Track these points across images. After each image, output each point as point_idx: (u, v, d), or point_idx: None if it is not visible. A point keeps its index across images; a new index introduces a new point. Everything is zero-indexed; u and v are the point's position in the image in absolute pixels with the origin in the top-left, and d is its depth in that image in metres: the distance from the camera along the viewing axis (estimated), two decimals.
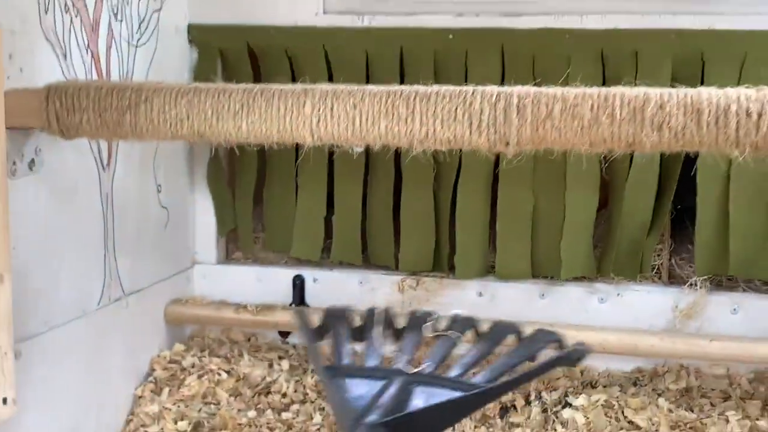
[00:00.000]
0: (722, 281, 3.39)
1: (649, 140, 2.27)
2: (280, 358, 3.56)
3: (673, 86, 3.05)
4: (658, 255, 3.49)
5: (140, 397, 3.33)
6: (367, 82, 3.42)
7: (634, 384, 3.29)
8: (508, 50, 3.37)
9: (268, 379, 3.41)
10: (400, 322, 2.17)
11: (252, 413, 3.27)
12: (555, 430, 3.10)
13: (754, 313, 3.28)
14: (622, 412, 3.12)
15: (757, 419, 3.05)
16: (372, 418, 1.60)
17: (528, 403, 3.22)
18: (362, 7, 3.50)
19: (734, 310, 3.28)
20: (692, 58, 3.25)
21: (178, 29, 3.58)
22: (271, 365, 3.49)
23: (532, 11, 3.38)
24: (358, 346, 2.12)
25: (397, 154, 3.29)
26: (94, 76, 3.04)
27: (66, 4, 2.88)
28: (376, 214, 3.59)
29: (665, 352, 3.28)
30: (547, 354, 2.09)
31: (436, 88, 2.46)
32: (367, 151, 3.06)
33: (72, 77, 2.90)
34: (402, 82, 3.41)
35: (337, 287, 3.63)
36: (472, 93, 2.37)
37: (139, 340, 3.40)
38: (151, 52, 3.35)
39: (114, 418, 3.22)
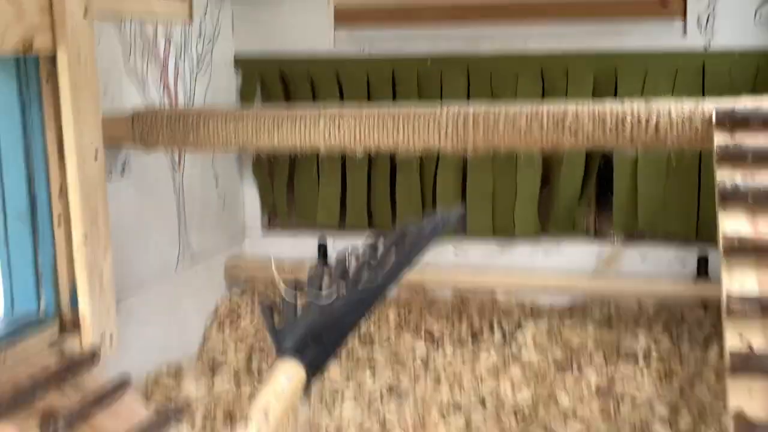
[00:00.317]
0: (634, 235, 3.42)
1: (568, 143, 2.47)
2: None
3: (594, 95, 3.22)
4: (586, 217, 3.51)
5: (208, 332, 3.46)
6: (368, 96, 3.53)
7: (569, 313, 3.37)
8: (471, 70, 3.42)
9: None
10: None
11: None
12: (511, 348, 3.19)
13: (656, 259, 3.36)
14: (560, 335, 3.25)
15: (660, 336, 3.16)
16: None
17: (492, 329, 3.32)
18: (363, 41, 3.54)
19: (642, 257, 3.37)
20: (608, 73, 3.29)
21: (226, 61, 3.59)
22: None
23: (488, 41, 3.42)
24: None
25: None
26: (166, 102, 3.15)
27: (143, 50, 3.01)
28: (378, 193, 3.64)
29: (592, 289, 3.39)
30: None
31: (414, 108, 2.62)
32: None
33: (150, 104, 3.04)
34: (394, 96, 3.52)
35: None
36: (440, 112, 2.55)
37: (207, 291, 3.52)
38: (207, 79, 3.43)
39: (190, 347, 3.32)
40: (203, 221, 3.46)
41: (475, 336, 3.32)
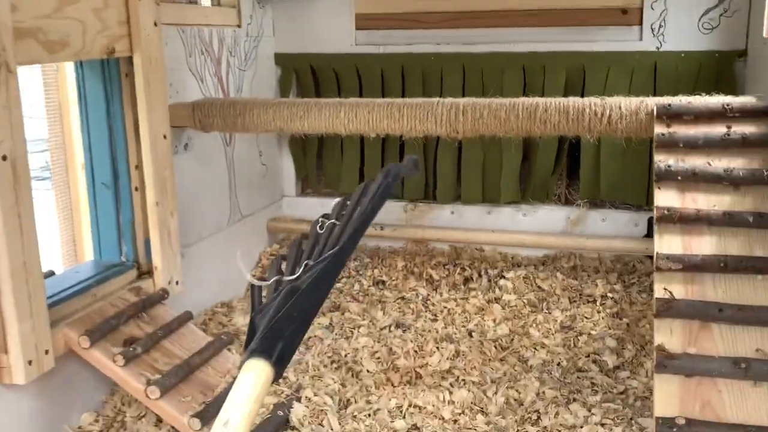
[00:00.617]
0: (596, 202, 3.42)
1: (538, 130, 2.51)
2: None
3: (566, 87, 3.26)
4: (558, 187, 3.53)
5: (253, 274, 3.36)
6: (382, 86, 3.52)
7: (542, 264, 3.38)
8: (466, 66, 3.43)
9: None
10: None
11: None
12: (494, 292, 3.19)
13: (614, 221, 3.37)
14: (534, 281, 3.25)
15: (615, 283, 3.18)
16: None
17: (480, 276, 3.32)
18: (378, 41, 3.56)
19: (603, 219, 3.38)
20: (577, 69, 3.30)
21: (268, 57, 3.60)
22: None
23: (481, 42, 3.42)
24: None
25: None
26: (219, 93, 3.17)
27: (201, 50, 3.02)
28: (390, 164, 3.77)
29: (561, 245, 3.39)
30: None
31: (415, 100, 2.64)
32: None
33: (207, 95, 3.06)
34: (403, 86, 3.51)
35: None
36: (437, 103, 2.59)
37: (252, 243, 3.55)
38: (252, 73, 3.45)
39: (239, 288, 3.32)
40: (249, 187, 3.48)
41: (466, 281, 3.33)
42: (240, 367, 1.28)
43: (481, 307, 3.11)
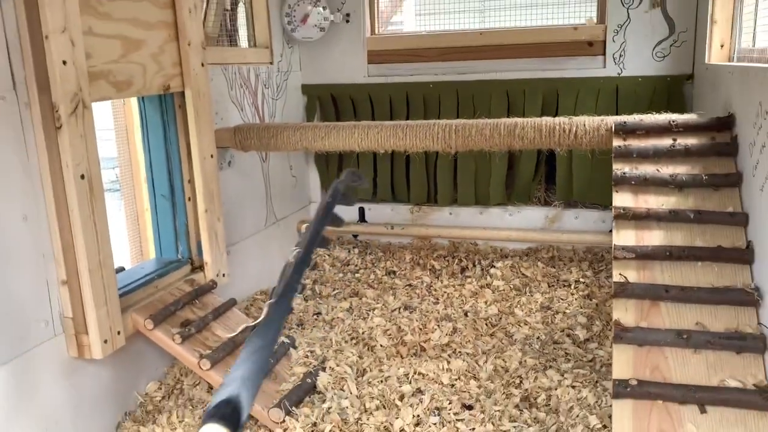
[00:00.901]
0: (570, 203, 3.43)
1: (517, 145, 2.53)
2: (353, 247, 3.64)
3: (543, 108, 3.27)
4: (538, 190, 3.53)
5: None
6: (390, 110, 3.53)
7: (526, 255, 3.40)
8: (459, 92, 3.43)
9: (347, 257, 3.55)
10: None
11: (340, 274, 3.38)
12: (486, 279, 3.21)
13: (585, 218, 3.39)
14: (519, 269, 3.27)
15: (586, 270, 3.20)
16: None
17: (474, 266, 3.35)
18: (386, 72, 3.57)
19: (576, 217, 3.40)
20: (552, 93, 3.31)
21: (296, 88, 3.61)
22: (349, 251, 3.60)
23: (472, 72, 3.43)
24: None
25: None
26: (256, 119, 3.20)
27: (240, 83, 3.06)
28: (398, 175, 3.63)
29: (541, 239, 3.41)
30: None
31: (416, 122, 2.65)
32: None
33: (246, 120, 3.09)
34: (408, 110, 3.51)
35: (379, 212, 3.67)
36: (433, 124, 2.60)
37: (286, 241, 3.50)
38: (283, 101, 3.46)
39: (275, 278, 3.45)
40: (282, 195, 3.50)
41: (463, 270, 3.34)
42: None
43: (475, 291, 3.13)
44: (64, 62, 1.86)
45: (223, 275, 2.68)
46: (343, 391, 2.27)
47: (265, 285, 3.27)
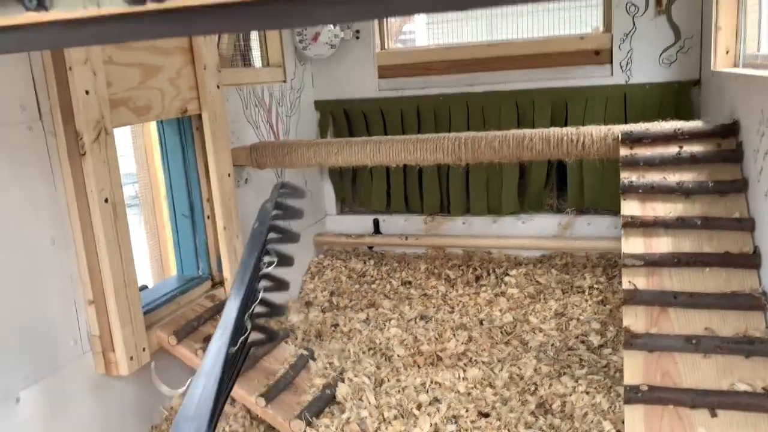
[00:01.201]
0: (582, 210, 3.42)
1: (526, 156, 2.54)
2: (369, 258, 3.66)
3: (552, 118, 3.28)
4: (550, 198, 3.54)
5: (305, 280, 3.53)
6: (402, 123, 3.57)
7: (540, 262, 3.41)
8: (469, 104, 3.46)
9: (363, 268, 3.58)
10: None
11: (356, 286, 3.42)
12: (500, 287, 3.23)
13: (597, 225, 3.39)
14: (533, 277, 3.28)
15: (600, 276, 3.20)
16: None
17: (488, 274, 3.36)
18: (397, 86, 3.61)
19: (588, 224, 3.40)
20: (561, 103, 3.32)
21: (309, 104, 3.67)
22: (364, 262, 3.63)
23: (481, 83, 3.45)
24: None
25: None
26: (271, 136, 3.25)
27: (255, 102, 3.11)
28: (411, 186, 3.66)
29: (555, 246, 3.42)
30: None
31: (426, 135, 2.68)
32: None
33: (261, 138, 3.15)
34: (419, 123, 3.55)
35: (394, 223, 3.72)
36: (443, 138, 2.63)
37: (303, 254, 3.61)
38: (296, 118, 3.52)
39: (293, 291, 3.39)
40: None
41: (477, 279, 3.36)
42: None
43: (489, 300, 3.15)
44: (87, 92, 1.94)
45: None
46: (362, 401, 2.32)
47: (284, 297, 3.27)
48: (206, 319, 2.42)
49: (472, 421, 2.17)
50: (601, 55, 3.30)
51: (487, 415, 2.21)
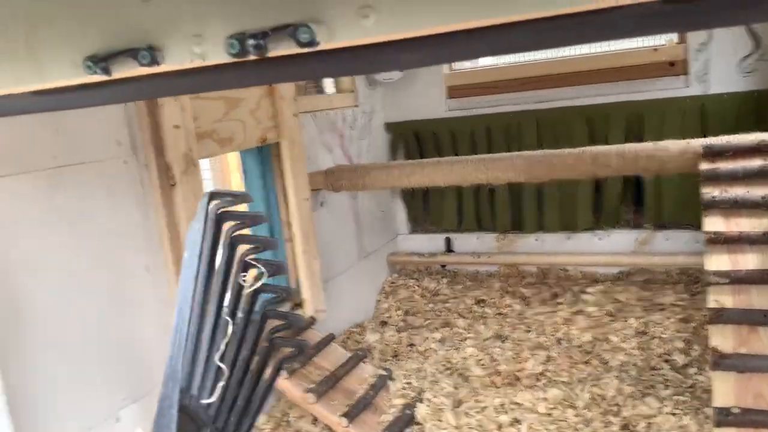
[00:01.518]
0: (660, 224, 3.34)
1: (602, 173, 2.55)
2: (442, 277, 3.67)
3: (627, 134, 3.21)
4: (626, 213, 3.46)
5: (379, 300, 3.56)
6: (472, 143, 3.57)
7: (618, 279, 3.35)
8: (540, 121, 3.44)
9: (437, 287, 3.58)
10: None
11: (430, 305, 3.41)
12: (578, 305, 3.15)
13: (677, 239, 3.30)
14: (612, 295, 3.18)
15: (682, 293, 3.10)
16: None
17: (565, 292, 3.30)
18: (466, 106, 3.63)
19: (667, 239, 3.32)
20: (636, 117, 3.25)
21: (379, 127, 3.74)
22: (438, 281, 3.63)
23: (551, 100, 3.43)
24: None
25: None
26: (344, 159, 3.32)
27: (329, 127, 3.20)
28: (483, 203, 3.66)
29: (633, 262, 3.35)
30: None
31: (499, 155, 2.70)
32: None
33: (335, 162, 3.21)
34: (489, 141, 3.53)
35: (466, 241, 3.73)
36: (516, 157, 2.63)
37: (376, 274, 3.66)
38: (368, 142, 3.59)
39: (368, 312, 3.46)
40: (371, 230, 3.60)
41: (554, 297, 3.31)
42: None
43: (567, 318, 3.10)
44: (176, 126, 2.06)
45: (321, 311, 2.79)
46: (441, 422, 2.32)
47: (359, 318, 3.38)
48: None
49: None
50: (676, 66, 3.24)
51: None
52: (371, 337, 3.15)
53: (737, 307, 1.89)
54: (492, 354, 2.82)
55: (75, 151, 1.82)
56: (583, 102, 3.40)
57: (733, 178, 2.18)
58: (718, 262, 2.01)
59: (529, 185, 3.51)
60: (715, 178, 2.21)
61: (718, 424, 1.70)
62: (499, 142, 3.56)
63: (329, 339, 2.64)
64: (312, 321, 2.69)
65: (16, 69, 0.94)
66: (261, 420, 2.51)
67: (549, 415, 2.32)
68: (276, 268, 1.15)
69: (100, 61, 0.84)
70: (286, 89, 2.61)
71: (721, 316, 1.88)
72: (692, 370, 2.52)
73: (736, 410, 1.71)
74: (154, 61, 0.83)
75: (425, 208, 3.89)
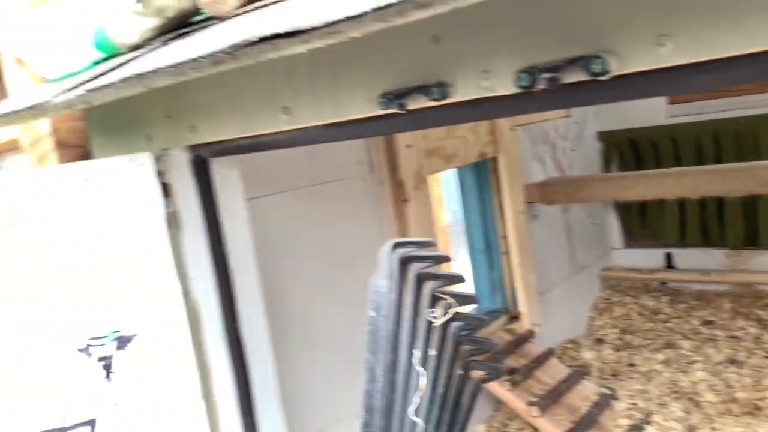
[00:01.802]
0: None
1: None
2: (662, 295, 3.49)
3: None
4: None
5: (591, 316, 3.47)
6: (698, 151, 3.36)
7: None
8: None
9: (656, 306, 3.41)
10: None
11: (650, 324, 3.26)
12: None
13: None
14: None
15: None
16: None
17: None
18: (691, 111, 3.42)
19: None
20: None
21: (591, 136, 3.65)
22: (658, 299, 3.46)
23: None
24: None
25: None
26: (556, 171, 3.29)
27: (541, 140, 3.16)
28: (709, 216, 3.41)
29: None
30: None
31: (736, 165, 2.55)
32: None
33: (547, 174, 3.20)
34: (718, 150, 3.30)
35: (689, 257, 3.50)
36: (758, 167, 2.46)
37: (589, 290, 3.56)
38: (579, 151, 3.52)
39: (581, 328, 3.38)
40: (583, 244, 3.53)
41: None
42: None
43: None
44: (408, 146, 2.21)
45: (538, 324, 2.80)
46: None
47: (572, 334, 3.33)
48: (507, 352, 2.54)
49: None
50: None
51: None
52: (588, 355, 3.10)
53: None
54: (726, 380, 2.65)
55: (325, 171, 2.04)
56: None
57: None
58: None
59: (766, 195, 3.21)
60: None
61: None
62: (731, 150, 3.31)
63: (549, 354, 2.64)
64: (531, 334, 2.71)
65: (318, 106, 1.10)
66: (480, 428, 2.58)
67: None
68: (466, 299, 1.15)
69: (395, 98, 0.96)
70: None
71: None
72: None
73: None
74: (443, 96, 0.92)
75: (642, 222, 3.73)
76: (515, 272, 2.76)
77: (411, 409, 1.03)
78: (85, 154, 1.63)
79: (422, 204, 2.25)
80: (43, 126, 1.49)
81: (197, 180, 1.47)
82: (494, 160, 2.75)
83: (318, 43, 0.77)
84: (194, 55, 0.88)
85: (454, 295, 1.13)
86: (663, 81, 0.77)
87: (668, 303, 3.45)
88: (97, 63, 1.35)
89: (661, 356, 2.98)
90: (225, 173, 1.53)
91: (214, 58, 0.85)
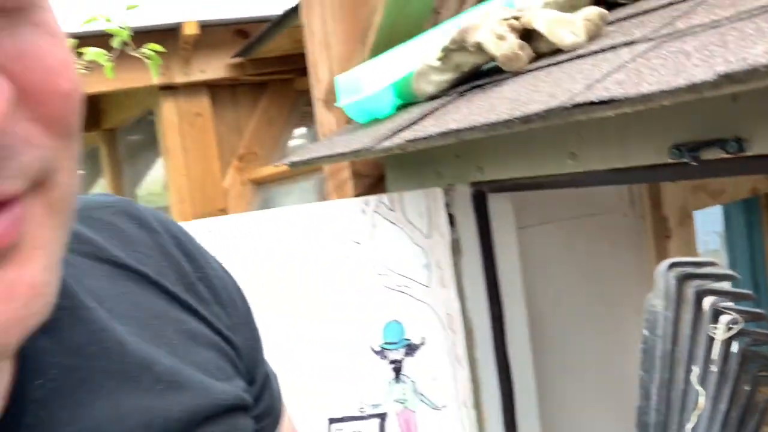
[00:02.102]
0: None
1: None
2: None
3: None
4: None
5: None
6: None
7: None
8: None
9: None
10: None
11: None
12: None
13: None
14: None
15: None
16: None
17: None
18: None
19: None
20: None
21: None
22: None
23: None
24: None
25: None
26: None
27: None
28: None
29: None
30: None
31: None
32: None
33: None
34: None
35: None
36: None
37: None
38: None
39: None
40: None
41: None
42: None
43: None
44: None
45: None
46: None
47: None
48: None
49: None
50: None
51: None
52: None
53: None
54: None
55: (586, 204, 2.12)
56: None
57: None
58: None
59: None
60: None
61: None
62: None
63: None
64: None
65: (604, 153, 1.21)
66: None
67: None
68: (754, 315, 1.10)
69: (690, 150, 1.04)
70: None
71: None
72: None
73: None
74: (740, 150, 0.99)
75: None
76: None
77: (688, 427, 1.01)
78: (374, 183, 1.93)
79: (686, 241, 2.22)
80: None
81: (476, 211, 1.67)
82: (767, 196, 2.59)
83: (627, 110, 0.89)
84: (507, 117, 1.06)
85: (739, 311, 1.10)
86: None
87: None
88: (396, 108, 1.61)
89: None
90: (500, 206, 1.71)
91: (526, 119, 1.02)
